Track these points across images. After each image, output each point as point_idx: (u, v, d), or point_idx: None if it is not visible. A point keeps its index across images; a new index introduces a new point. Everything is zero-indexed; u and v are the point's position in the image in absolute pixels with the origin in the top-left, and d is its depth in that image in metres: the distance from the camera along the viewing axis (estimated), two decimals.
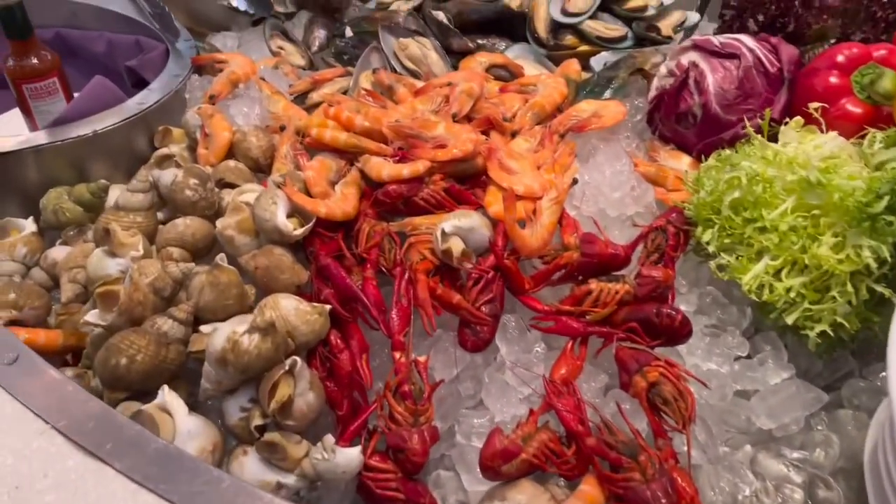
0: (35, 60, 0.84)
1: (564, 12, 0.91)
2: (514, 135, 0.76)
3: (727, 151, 0.66)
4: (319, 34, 0.96)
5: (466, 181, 0.71)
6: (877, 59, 0.65)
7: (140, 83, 0.89)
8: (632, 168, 0.71)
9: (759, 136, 0.64)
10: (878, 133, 0.61)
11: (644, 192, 0.71)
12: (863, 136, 0.62)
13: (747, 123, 0.65)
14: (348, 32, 0.95)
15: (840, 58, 0.66)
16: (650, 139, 0.77)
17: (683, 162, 0.73)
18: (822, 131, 0.63)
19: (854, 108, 0.64)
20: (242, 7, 0.98)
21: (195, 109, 0.78)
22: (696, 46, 0.72)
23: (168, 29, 0.90)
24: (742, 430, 0.59)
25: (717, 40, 0.71)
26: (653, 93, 0.76)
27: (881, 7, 0.72)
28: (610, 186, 0.70)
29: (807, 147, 0.60)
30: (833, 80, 0.65)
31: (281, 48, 0.95)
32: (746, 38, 0.71)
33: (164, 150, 0.78)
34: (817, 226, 0.58)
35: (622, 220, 0.70)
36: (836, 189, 0.57)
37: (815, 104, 0.64)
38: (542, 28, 0.92)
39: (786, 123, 0.65)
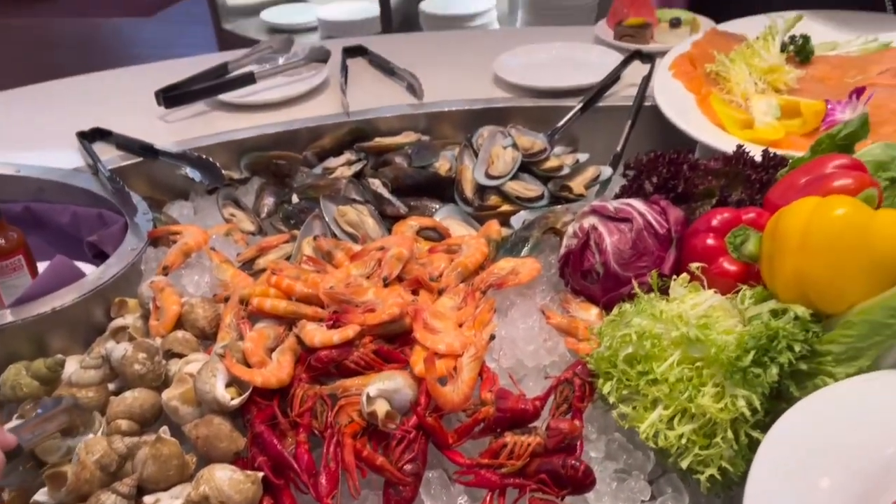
0: (2, 241, 0.92)
1: (488, 175, 1.02)
2: (440, 292, 0.84)
3: (626, 306, 0.74)
4: (268, 201, 1.05)
5: (396, 340, 0.78)
6: (746, 222, 0.74)
7: (100, 254, 0.96)
8: (544, 321, 0.79)
9: (649, 294, 0.72)
10: (748, 290, 0.69)
11: (556, 343, 0.78)
12: (738, 292, 0.70)
13: (635, 285, 0.73)
14: (295, 199, 1.04)
15: (715, 221, 0.75)
16: (563, 292, 0.84)
17: (592, 313, 0.81)
18: (704, 287, 0.72)
19: (730, 267, 0.73)
20: (198, 179, 1.07)
21: (148, 283, 0.85)
22: (595, 211, 0.81)
23: (126, 204, 0.98)
24: None
25: (612, 206, 0.81)
26: (562, 251, 0.84)
27: (754, 170, 0.83)
28: (524, 340, 0.77)
29: (686, 305, 0.68)
30: (710, 241, 0.74)
31: (233, 215, 1.04)
32: (637, 203, 0.81)
33: (118, 322, 0.84)
34: (701, 377, 0.65)
35: (538, 371, 0.77)
36: (713, 344, 0.64)
37: (696, 264, 0.72)
38: (468, 190, 1.01)
39: (674, 279, 0.73)
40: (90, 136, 1.16)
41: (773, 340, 0.62)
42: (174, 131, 1.22)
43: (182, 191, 1.14)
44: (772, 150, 0.86)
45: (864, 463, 0.54)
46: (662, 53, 1.23)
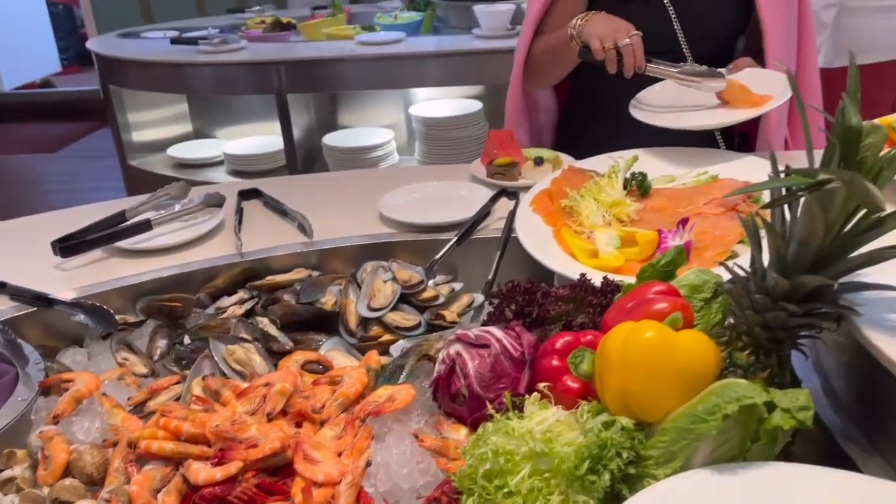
0: None
1: (370, 308, 1.11)
2: (322, 423, 0.90)
3: (487, 425, 0.82)
4: (161, 343, 1.10)
5: (279, 472, 0.84)
6: (585, 343, 0.84)
7: None
8: (416, 444, 0.86)
9: (503, 414, 0.81)
10: (586, 405, 0.79)
11: (429, 464, 0.85)
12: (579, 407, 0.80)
13: (490, 409, 0.82)
14: (187, 340, 1.10)
15: (559, 344, 0.86)
16: (437, 415, 0.92)
17: (462, 433, 0.88)
18: (552, 404, 0.81)
19: (572, 384, 0.82)
20: (91, 325, 1.12)
21: (37, 433, 0.88)
22: (459, 339, 0.91)
23: (18, 356, 1.02)
24: None
25: (473, 333, 0.91)
26: (434, 376, 0.92)
27: (594, 295, 0.95)
28: (398, 463, 0.84)
29: (534, 422, 0.77)
30: (555, 362, 0.84)
31: (126, 359, 1.08)
32: (495, 330, 0.91)
33: (7, 474, 0.86)
34: (549, 486, 0.73)
35: (412, 492, 0.83)
36: (556, 455, 0.73)
37: (543, 383, 0.82)
38: (352, 322, 1.10)
39: (527, 398, 0.82)
40: None
41: (604, 449, 0.71)
42: (70, 279, 1.27)
43: (76, 337, 1.17)
44: (611, 276, 0.99)
45: None
46: (527, 189, 1.39)
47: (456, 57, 3.11)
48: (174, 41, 3.34)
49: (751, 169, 1.33)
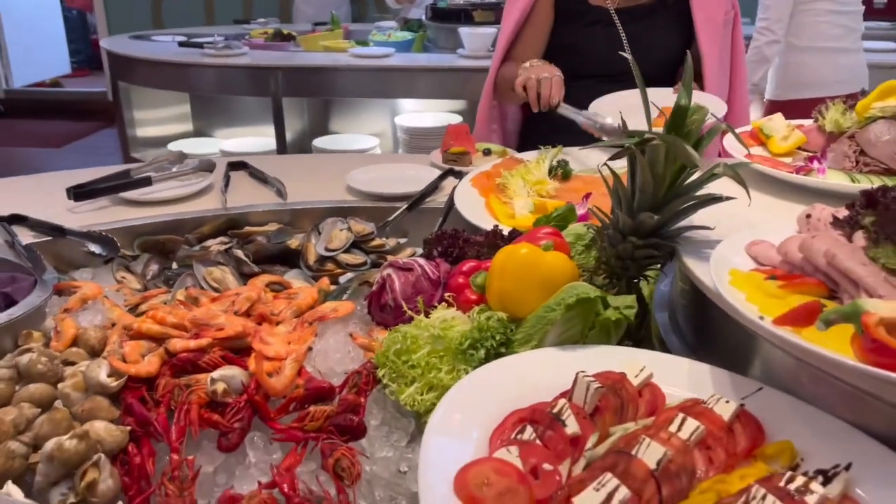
0: None
1: (327, 248, 1.35)
2: (278, 325, 1.14)
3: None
4: (153, 268, 1.34)
5: (240, 353, 1.07)
6: (484, 268, 1.09)
7: (11, 304, 1.22)
8: (350, 341, 1.10)
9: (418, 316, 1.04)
10: (477, 307, 1.03)
11: (358, 354, 1.08)
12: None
13: (409, 312, 1.06)
14: (175, 266, 1.34)
15: (465, 268, 1.10)
16: (370, 325, 1.16)
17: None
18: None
19: (471, 296, 1.06)
20: (97, 251, 1.35)
21: (51, 317, 1.12)
22: (391, 265, 1.15)
23: (38, 267, 1.25)
24: (405, 494, 0.92)
25: (402, 261, 1.15)
26: (369, 292, 1.17)
27: (502, 240, 1.19)
28: (334, 350, 1.08)
29: (436, 317, 1.01)
30: (461, 280, 1.09)
31: (123, 277, 1.32)
32: (420, 259, 1.15)
33: (24, 347, 1.09)
34: (441, 361, 0.97)
35: (344, 374, 1.07)
36: (448, 339, 0.97)
37: (450, 293, 1.06)
38: (311, 258, 1.34)
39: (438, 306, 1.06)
40: (8, 220, 1.43)
41: (483, 332, 0.95)
42: (80, 220, 1.51)
43: (83, 265, 1.41)
44: (517, 229, 1.23)
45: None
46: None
47: (440, 72, 3.38)
48: (182, 44, 3.61)
49: None
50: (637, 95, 1.90)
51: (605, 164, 1.03)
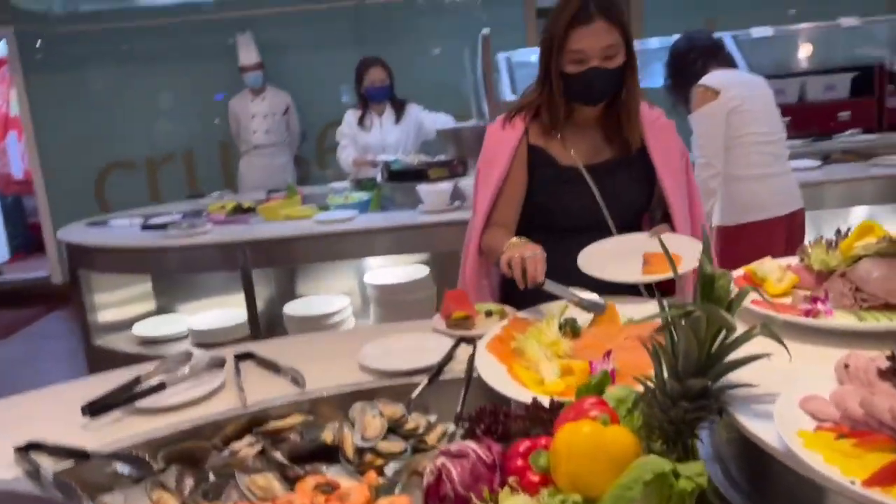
0: None
1: (363, 438, 1.35)
2: None
3: None
4: (188, 482, 1.30)
5: None
6: (541, 446, 1.11)
7: None
8: None
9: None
10: (545, 490, 1.04)
11: None
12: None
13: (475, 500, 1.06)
14: (211, 477, 1.31)
15: (521, 449, 1.12)
16: None
17: None
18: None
19: (534, 478, 1.08)
20: (128, 473, 1.31)
21: None
22: (442, 453, 1.16)
23: (72, 497, 1.21)
24: None
25: (453, 448, 1.16)
26: (425, 485, 1.16)
27: (545, 412, 1.22)
28: None
29: None
30: (520, 462, 1.10)
31: (160, 497, 1.28)
32: (471, 443, 1.16)
33: None
34: None
35: None
36: None
37: (513, 477, 1.07)
38: (350, 451, 1.33)
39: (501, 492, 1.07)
40: (26, 449, 1.38)
41: None
42: (95, 436, 1.47)
43: (111, 487, 1.36)
44: (556, 398, 1.27)
45: None
46: (482, 336, 1.68)
47: (403, 230, 3.49)
48: (145, 227, 3.64)
49: (648, 311, 1.67)
50: (619, 243, 2.02)
51: (653, 336, 1.09)
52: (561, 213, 2.09)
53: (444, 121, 5.18)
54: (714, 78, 3.19)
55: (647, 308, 1.70)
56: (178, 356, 1.72)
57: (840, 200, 3.63)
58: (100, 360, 3.84)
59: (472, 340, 1.66)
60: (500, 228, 2.09)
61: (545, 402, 1.26)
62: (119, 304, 4.01)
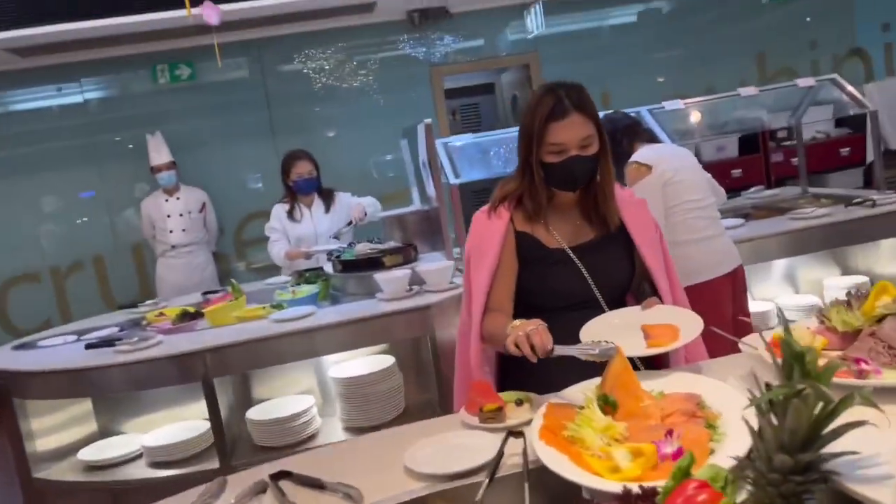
0: None
1: None
2: None
3: None
4: None
5: None
6: None
7: None
8: None
9: None
10: None
11: None
12: None
13: None
14: None
15: None
16: None
17: None
18: None
19: None
20: None
21: None
22: None
23: None
24: None
25: None
26: None
27: (641, 500, 1.24)
28: None
29: None
30: None
31: None
32: None
33: None
34: None
35: None
36: None
37: None
38: None
39: None
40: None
41: None
42: None
43: None
44: (645, 484, 1.29)
45: None
46: (520, 425, 1.70)
47: (366, 321, 3.46)
48: (90, 346, 3.43)
49: (681, 383, 1.75)
50: (618, 317, 2.10)
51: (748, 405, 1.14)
52: (553, 294, 2.17)
53: (371, 202, 5.24)
54: (645, 154, 3.42)
55: (670, 381, 1.77)
56: (212, 487, 1.63)
57: (766, 254, 3.90)
58: (40, 493, 3.53)
59: (519, 433, 1.67)
60: (498, 314, 2.14)
61: (632, 488, 1.28)
62: (57, 429, 3.72)
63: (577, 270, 2.16)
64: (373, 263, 3.77)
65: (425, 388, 3.80)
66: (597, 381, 1.76)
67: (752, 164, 6.99)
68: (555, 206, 2.21)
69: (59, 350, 3.75)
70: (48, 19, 5.65)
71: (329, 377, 3.61)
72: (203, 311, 3.90)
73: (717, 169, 6.75)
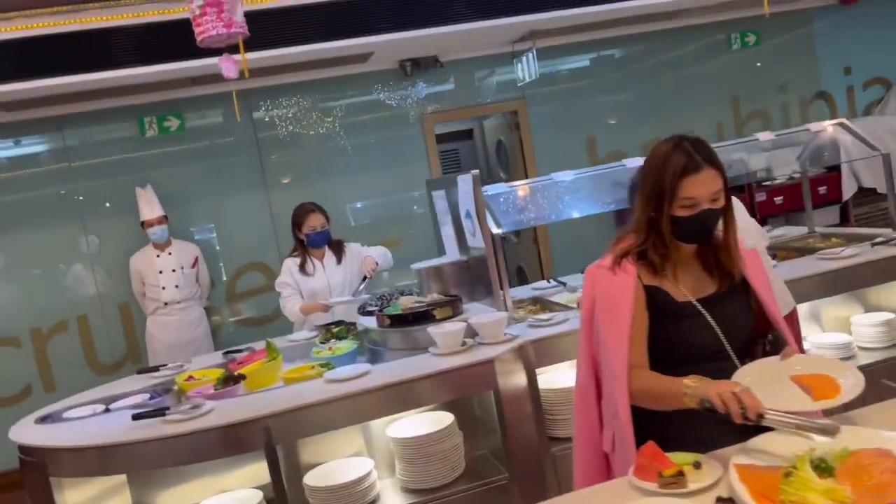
0: None
1: None
2: None
3: None
4: None
5: None
6: None
7: None
8: None
9: None
10: None
11: None
12: None
13: None
14: None
15: None
16: None
17: None
18: None
19: None
20: None
21: None
22: None
23: None
24: None
25: None
26: None
27: None
28: None
29: None
30: None
31: None
32: None
33: None
34: None
35: None
36: None
37: None
38: None
39: None
40: None
41: None
42: None
43: None
44: None
45: None
46: (702, 490, 1.66)
47: (425, 379, 3.34)
48: (138, 416, 3.22)
49: (851, 437, 1.74)
50: (761, 369, 2.08)
51: None
52: (685, 347, 2.15)
53: (381, 252, 5.18)
54: None
55: (844, 437, 1.75)
56: None
57: (804, 295, 3.98)
58: None
59: (728, 500, 1.62)
60: (643, 370, 2.10)
61: None
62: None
63: (706, 323, 2.15)
64: (422, 317, 3.67)
65: (479, 445, 3.71)
66: (771, 438, 1.75)
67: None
68: (677, 259, 2.20)
69: (97, 421, 3.51)
70: (32, 74, 5.43)
71: (387, 436, 3.48)
72: (240, 373, 3.72)
73: None
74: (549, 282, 4.90)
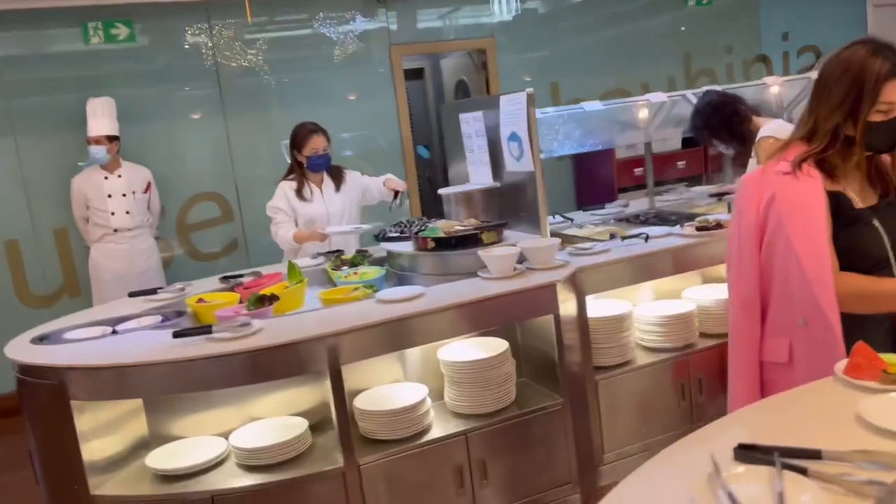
0: None
1: None
2: None
3: None
4: None
5: None
6: None
7: None
8: None
9: None
10: None
11: None
12: None
13: None
14: None
15: None
16: None
17: None
18: None
19: None
20: None
21: None
22: None
23: None
24: None
25: None
26: None
27: None
28: None
29: None
30: None
31: None
32: None
33: None
34: None
35: None
36: None
37: None
38: None
39: None
40: None
41: None
42: None
43: None
44: None
45: None
46: None
47: (481, 303, 3.19)
48: (179, 334, 2.90)
49: None
50: None
51: None
52: (861, 255, 2.15)
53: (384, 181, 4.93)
54: (774, 128, 3.50)
55: None
56: None
57: None
58: None
59: None
60: (845, 273, 2.09)
61: None
62: (104, 433, 3.11)
63: (876, 231, 2.15)
64: (468, 241, 3.52)
65: (519, 372, 3.63)
66: None
67: (693, 157, 7.41)
68: (847, 168, 2.18)
69: (115, 342, 3.14)
70: None
71: (436, 360, 3.34)
72: (271, 293, 3.43)
73: (663, 159, 7.14)
74: (554, 217, 4.84)
